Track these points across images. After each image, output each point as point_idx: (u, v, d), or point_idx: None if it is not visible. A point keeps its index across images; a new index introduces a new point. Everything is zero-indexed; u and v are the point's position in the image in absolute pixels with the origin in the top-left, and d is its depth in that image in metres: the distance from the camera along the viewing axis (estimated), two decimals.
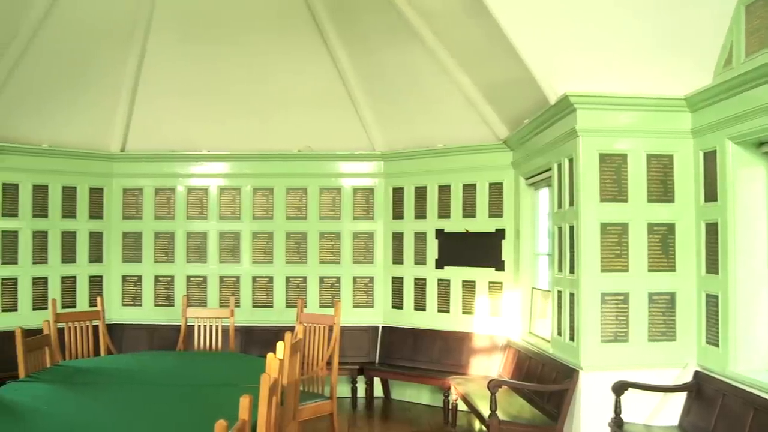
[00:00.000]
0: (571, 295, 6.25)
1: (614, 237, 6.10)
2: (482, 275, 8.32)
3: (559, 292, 6.54)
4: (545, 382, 6.50)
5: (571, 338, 6.24)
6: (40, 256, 8.63)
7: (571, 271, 6.28)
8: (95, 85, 8.41)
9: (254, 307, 9.19)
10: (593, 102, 6.05)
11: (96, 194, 9.10)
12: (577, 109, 6.07)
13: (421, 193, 8.88)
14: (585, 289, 6.07)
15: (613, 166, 6.13)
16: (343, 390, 8.54)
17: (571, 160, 6.30)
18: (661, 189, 6.14)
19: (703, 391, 5.70)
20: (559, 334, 6.52)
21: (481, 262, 8.32)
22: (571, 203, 6.30)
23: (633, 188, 6.13)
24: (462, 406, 7.69)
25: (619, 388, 5.86)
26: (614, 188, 6.12)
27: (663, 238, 6.12)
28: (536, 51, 6.03)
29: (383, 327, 9.10)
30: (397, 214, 9.11)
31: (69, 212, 8.86)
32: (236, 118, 8.96)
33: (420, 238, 8.87)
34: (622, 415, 5.83)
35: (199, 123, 9.00)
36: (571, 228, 6.29)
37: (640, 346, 6.08)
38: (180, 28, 8.14)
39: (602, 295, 6.07)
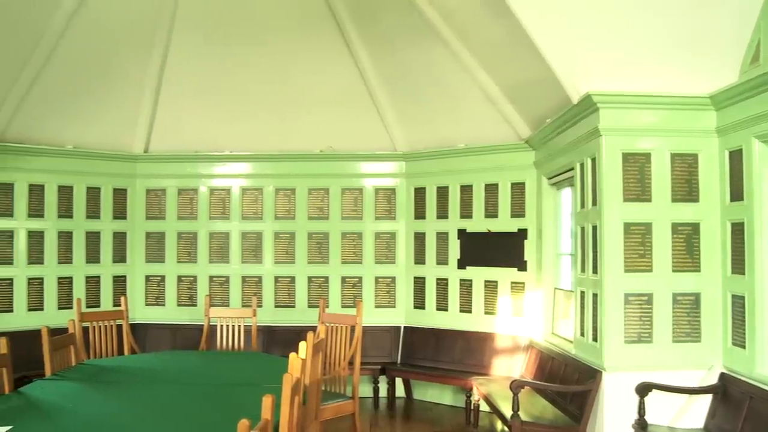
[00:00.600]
0: (594, 295, 6.21)
1: (638, 237, 6.05)
2: (504, 275, 8.29)
3: (582, 293, 6.50)
4: (568, 383, 6.47)
5: (594, 339, 6.20)
6: (65, 256, 8.73)
7: (594, 271, 6.23)
8: (119, 87, 8.49)
9: (276, 307, 9.22)
10: (616, 101, 6.01)
11: (120, 195, 9.18)
12: (600, 109, 6.03)
13: (443, 193, 8.86)
14: (608, 290, 6.03)
15: (636, 166, 6.07)
16: (365, 390, 8.55)
17: (593, 160, 6.26)
18: (686, 188, 6.08)
19: (729, 394, 5.63)
20: (582, 334, 6.48)
21: (503, 262, 8.29)
22: (594, 203, 6.26)
23: (657, 188, 6.07)
24: (484, 407, 7.66)
25: (643, 390, 5.81)
26: (638, 188, 6.07)
27: (688, 238, 6.06)
28: (558, 50, 5.99)
29: (405, 327, 9.09)
30: (419, 214, 9.10)
31: (93, 213, 8.95)
32: (258, 118, 9.00)
33: (442, 238, 8.85)
34: (646, 417, 5.77)
35: (221, 123, 9.05)
36: (594, 228, 6.25)
37: (664, 347, 6.02)
38: (202, 29, 8.19)
39: (626, 296, 6.02)
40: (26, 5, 7.02)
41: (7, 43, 7.22)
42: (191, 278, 9.28)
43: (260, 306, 8.93)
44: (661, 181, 6.07)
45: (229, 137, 9.18)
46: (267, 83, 8.67)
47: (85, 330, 6.99)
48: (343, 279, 9.22)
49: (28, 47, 7.50)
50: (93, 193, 8.95)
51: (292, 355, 4.26)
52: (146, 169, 9.29)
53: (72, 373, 5.61)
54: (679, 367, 5.96)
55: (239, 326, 7.65)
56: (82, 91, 8.30)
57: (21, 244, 8.43)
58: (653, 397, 5.84)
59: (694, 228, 6.06)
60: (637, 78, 5.94)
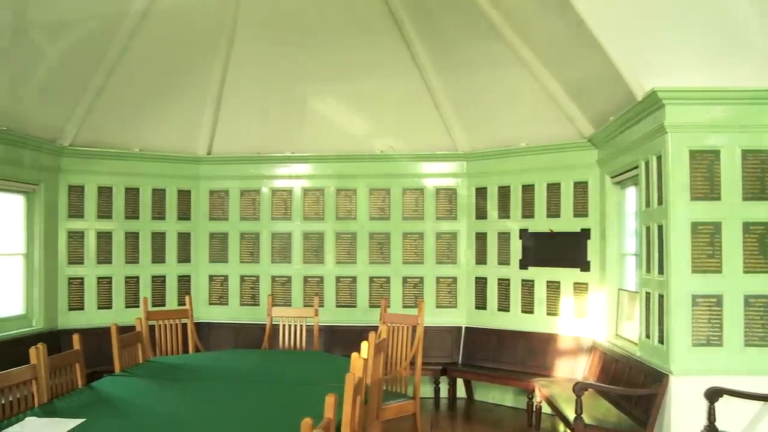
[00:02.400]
0: (660, 296, 6.06)
1: (706, 236, 5.87)
2: (567, 276, 8.16)
3: (647, 294, 6.35)
4: (633, 386, 6.32)
5: (660, 341, 6.04)
6: (132, 256, 8.96)
7: (660, 271, 6.08)
8: (183, 91, 8.65)
9: (338, 306, 9.27)
10: (683, 97, 5.85)
11: (184, 196, 9.37)
12: (666, 105, 5.88)
13: (504, 192, 8.78)
14: (674, 291, 5.87)
15: (704, 163, 5.90)
16: (426, 390, 8.52)
17: (659, 158, 6.11)
18: (758, 186, 5.87)
19: None
20: (648, 336, 6.33)
21: (565, 262, 8.16)
22: (660, 202, 6.10)
23: (726, 186, 5.88)
24: (546, 409, 7.56)
25: (713, 395, 5.64)
26: (706, 186, 5.90)
27: (761, 238, 5.85)
28: (622, 45, 5.86)
29: (466, 327, 9.04)
30: (480, 214, 9.03)
31: (158, 214, 9.16)
32: (318, 119, 9.06)
33: (503, 238, 8.77)
34: (716, 424, 5.60)
35: (282, 125, 9.14)
36: (660, 227, 6.09)
37: (735, 351, 5.82)
38: (263, 31, 8.28)
39: (693, 297, 5.85)
40: (95, 16, 7.22)
41: (78, 51, 7.44)
42: (254, 278, 9.40)
43: (322, 306, 9.00)
44: (731, 179, 5.88)
45: (290, 138, 9.27)
46: (327, 84, 8.72)
47: (152, 328, 7.16)
48: (405, 279, 9.22)
49: (96, 55, 7.72)
50: (158, 195, 9.16)
51: (354, 354, 4.27)
52: (209, 170, 9.45)
53: (139, 369, 5.75)
54: (752, 372, 5.75)
55: (301, 326, 7.72)
56: (147, 96, 8.49)
57: (91, 244, 8.70)
58: (724, 403, 5.66)
59: None
60: (704, 72, 5.76)
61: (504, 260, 8.75)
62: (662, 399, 5.84)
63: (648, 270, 6.36)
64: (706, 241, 5.87)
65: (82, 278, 8.63)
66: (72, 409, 4.42)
